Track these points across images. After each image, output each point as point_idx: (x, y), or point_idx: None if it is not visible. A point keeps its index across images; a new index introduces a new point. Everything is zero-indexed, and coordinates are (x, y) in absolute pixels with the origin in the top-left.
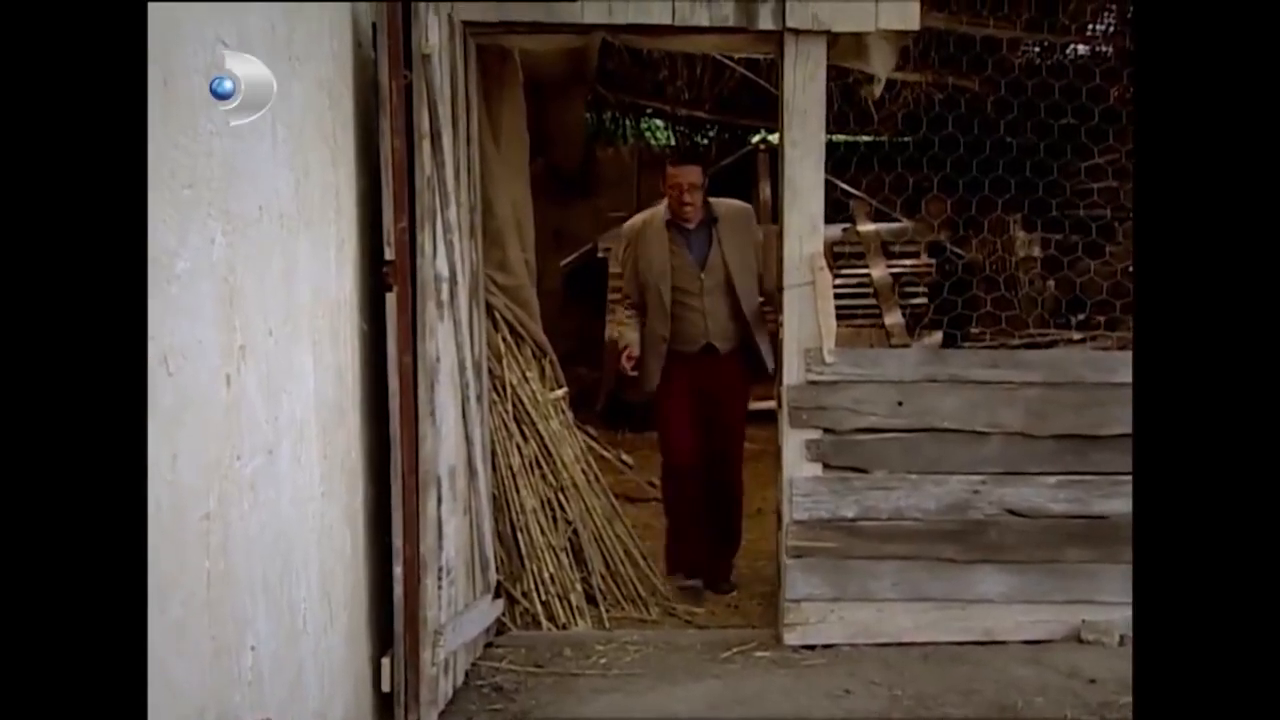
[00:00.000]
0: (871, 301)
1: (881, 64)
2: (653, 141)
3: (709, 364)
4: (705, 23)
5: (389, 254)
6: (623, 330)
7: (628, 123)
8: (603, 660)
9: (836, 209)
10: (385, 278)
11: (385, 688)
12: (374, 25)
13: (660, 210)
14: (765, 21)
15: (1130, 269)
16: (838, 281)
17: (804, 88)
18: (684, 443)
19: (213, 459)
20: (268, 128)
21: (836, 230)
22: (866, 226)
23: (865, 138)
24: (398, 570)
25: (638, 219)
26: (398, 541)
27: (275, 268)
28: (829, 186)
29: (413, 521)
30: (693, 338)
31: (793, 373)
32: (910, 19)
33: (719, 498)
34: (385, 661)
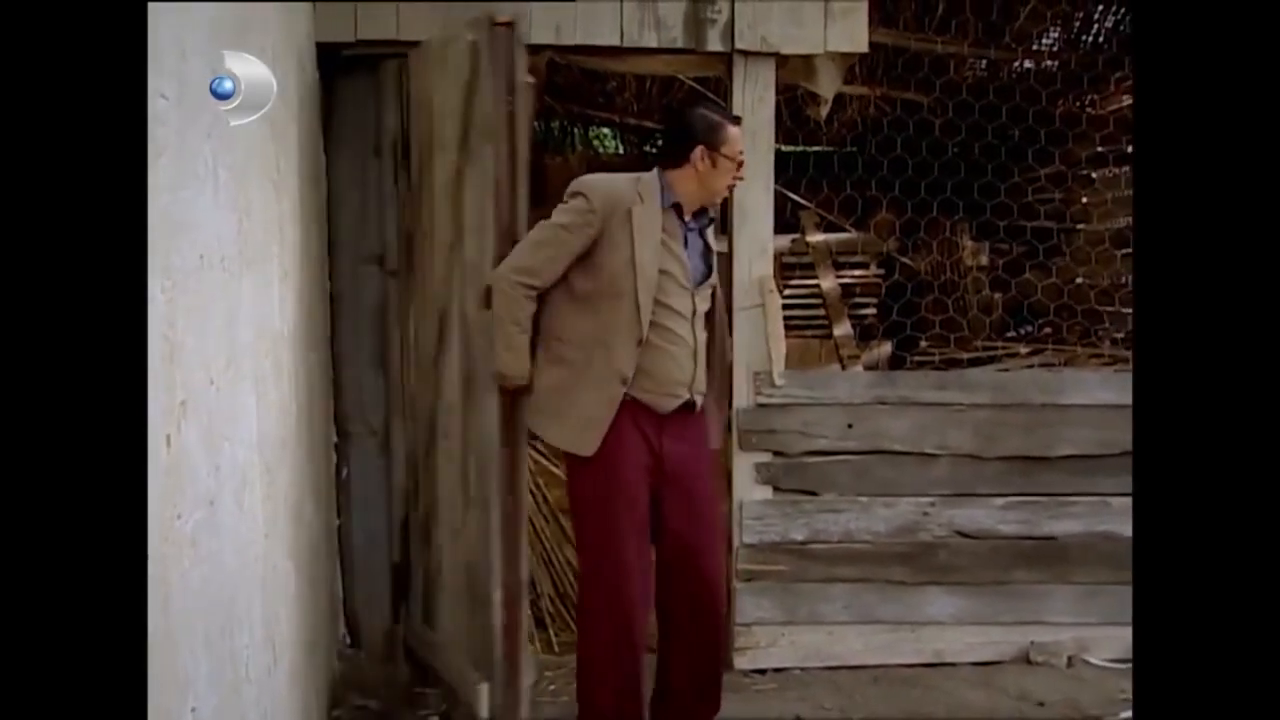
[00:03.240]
0: (820, 313)
1: (828, 85)
2: (601, 150)
3: (681, 428)
4: (654, 44)
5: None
6: (512, 354)
7: (576, 131)
8: (552, 686)
9: (787, 224)
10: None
11: (484, 715)
12: (474, 44)
13: (653, 186)
14: (714, 43)
15: (1077, 282)
16: (787, 292)
17: (753, 109)
18: (642, 567)
19: (152, 524)
20: (209, 173)
21: (785, 241)
22: (816, 237)
23: (814, 149)
24: (498, 596)
25: (621, 184)
26: (497, 566)
27: (217, 314)
28: (778, 197)
29: (515, 547)
30: (669, 386)
31: (742, 396)
32: (859, 41)
33: (701, 646)
34: (483, 688)
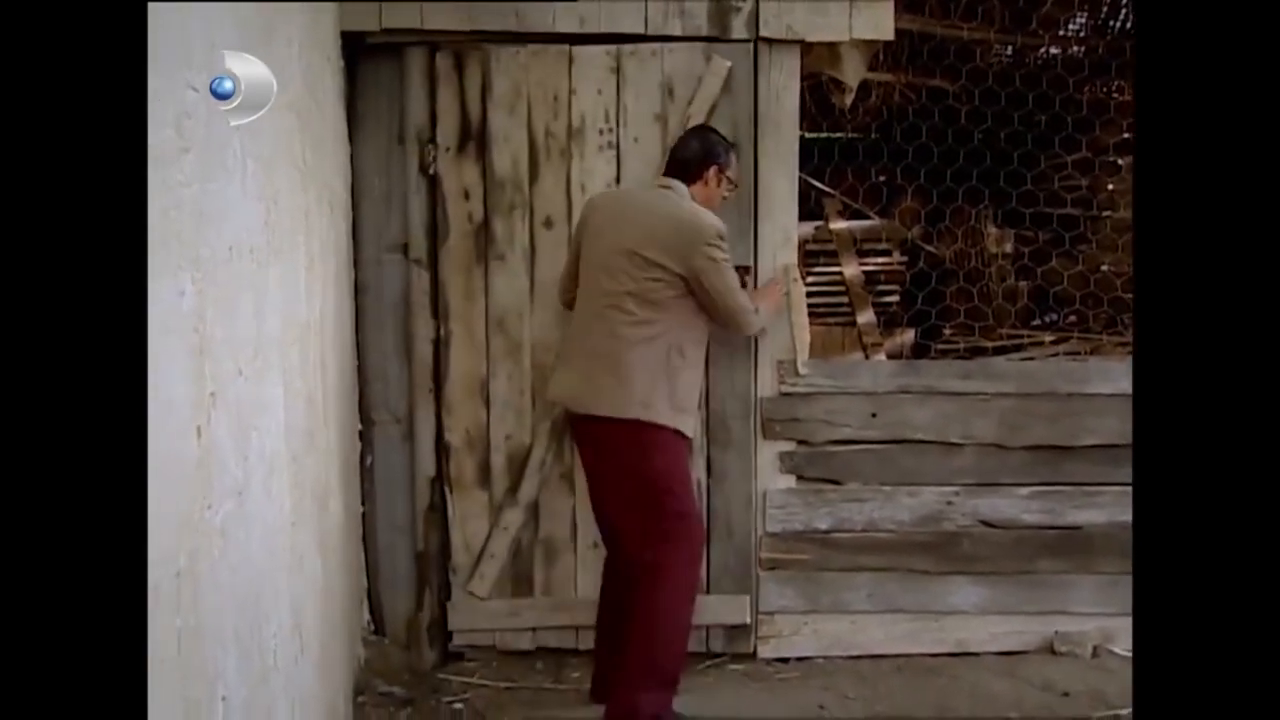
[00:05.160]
0: (844, 300)
1: (853, 72)
2: None
3: None
4: (678, 32)
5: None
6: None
7: None
8: (575, 674)
9: (810, 212)
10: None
11: (747, 620)
12: (731, 68)
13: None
14: (739, 31)
15: (1103, 270)
16: (810, 280)
17: (778, 97)
18: None
19: (183, 516)
20: (238, 164)
21: (808, 228)
22: (839, 224)
23: (838, 135)
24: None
25: None
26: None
27: (246, 305)
28: (802, 185)
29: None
30: None
31: (766, 384)
32: (884, 28)
33: None
34: (745, 599)
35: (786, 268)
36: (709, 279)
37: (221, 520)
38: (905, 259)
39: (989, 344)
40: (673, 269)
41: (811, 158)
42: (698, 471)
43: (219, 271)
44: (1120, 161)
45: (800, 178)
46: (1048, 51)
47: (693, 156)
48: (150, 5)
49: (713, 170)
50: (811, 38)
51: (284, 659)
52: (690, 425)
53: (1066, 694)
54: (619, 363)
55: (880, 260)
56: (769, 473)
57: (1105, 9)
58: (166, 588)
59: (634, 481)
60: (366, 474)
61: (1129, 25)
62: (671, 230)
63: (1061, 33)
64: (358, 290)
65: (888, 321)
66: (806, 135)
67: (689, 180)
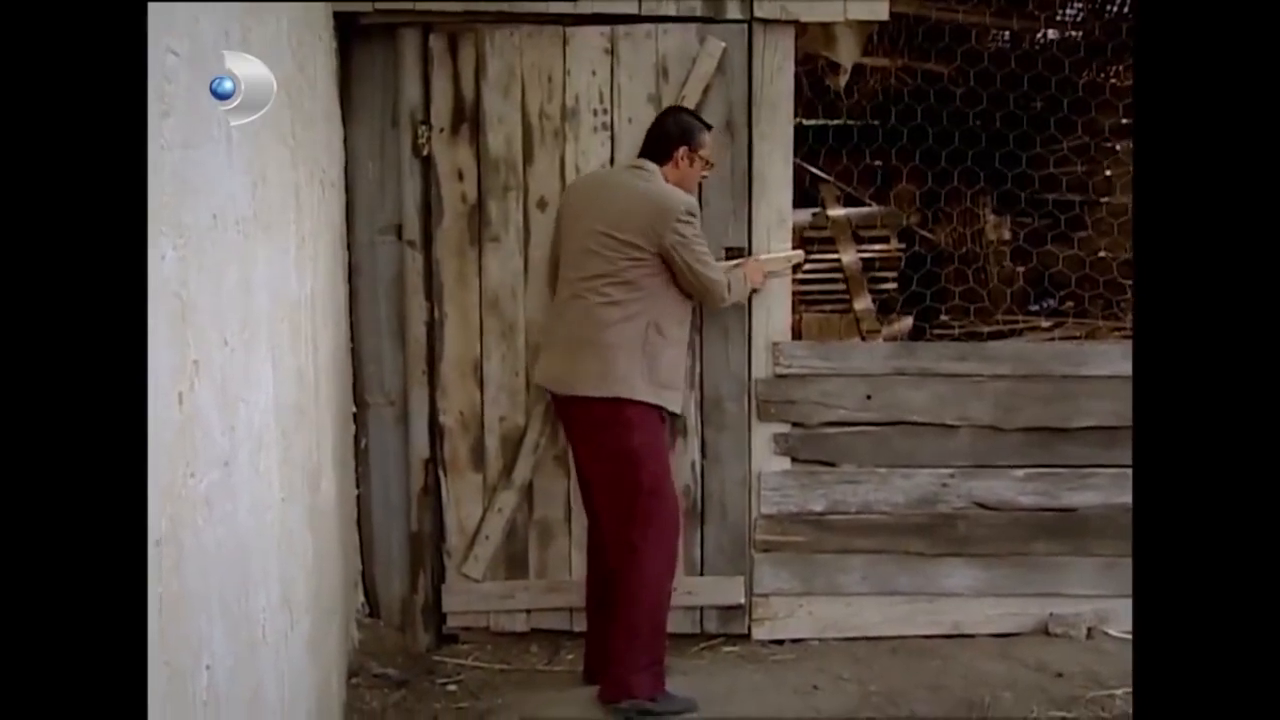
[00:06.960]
0: (841, 288)
1: (848, 53)
2: None
3: None
4: (672, 13)
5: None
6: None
7: None
8: (569, 656)
9: (807, 197)
10: None
11: (741, 600)
12: (726, 49)
13: None
14: (733, 11)
15: (1099, 254)
16: (807, 265)
17: (772, 79)
18: None
19: (164, 482)
20: (222, 134)
21: (806, 215)
22: (836, 211)
23: (834, 121)
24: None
25: None
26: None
27: (231, 276)
28: (798, 171)
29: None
30: None
31: (760, 366)
32: (879, 10)
33: None
34: (739, 579)
35: (789, 257)
36: (680, 254)
37: (206, 489)
38: (903, 245)
39: (985, 328)
40: (646, 248)
41: (807, 143)
42: (692, 453)
43: (202, 239)
44: (1117, 146)
45: (796, 163)
46: (1044, 35)
47: (662, 137)
48: None
49: (682, 151)
50: (806, 18)
51: (273, 633)
52: (676, 402)
53: (1061, 675)
54: (597, 343)
55: (877, 247)
56: (764, 454)
57: None
58: (147, 553)
59: (612, 459)
60: (361, 456)
61: (1126, 8)
62: (642, 210)
63: (1058, 16)
64: (351, 272)
65: (884, 307)
66: (804, 122)
67: (660, 161)
